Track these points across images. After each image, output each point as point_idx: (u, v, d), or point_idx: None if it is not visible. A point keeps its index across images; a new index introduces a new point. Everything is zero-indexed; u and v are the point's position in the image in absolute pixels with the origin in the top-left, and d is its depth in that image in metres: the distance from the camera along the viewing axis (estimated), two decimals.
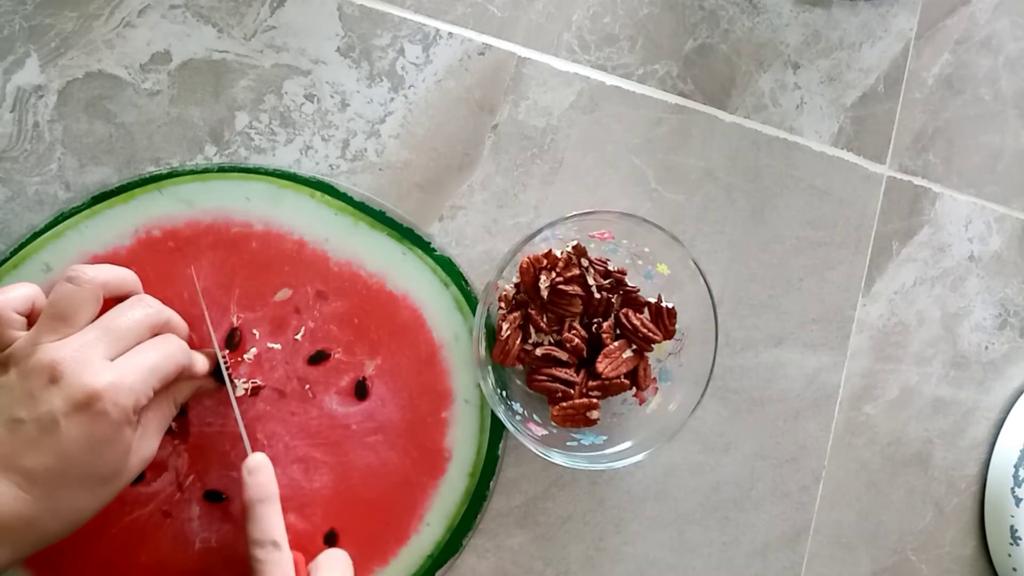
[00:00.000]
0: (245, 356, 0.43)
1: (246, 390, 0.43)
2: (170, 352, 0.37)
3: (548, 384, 0.44)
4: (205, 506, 0.42)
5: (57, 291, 0.36)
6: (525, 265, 0.44)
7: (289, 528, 0.43)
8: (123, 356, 0.36)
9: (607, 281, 0.45)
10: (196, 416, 0.42)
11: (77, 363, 0.34)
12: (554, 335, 0.45)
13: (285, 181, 0.44)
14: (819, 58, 0.53)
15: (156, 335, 0.38)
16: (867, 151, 0.54)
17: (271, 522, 0.39)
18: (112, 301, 0.38)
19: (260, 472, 0.40)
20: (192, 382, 0.41)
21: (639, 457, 0.43)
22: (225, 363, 0.42)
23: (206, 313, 0.42)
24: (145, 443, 0.37)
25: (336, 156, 0.45)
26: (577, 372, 0.45)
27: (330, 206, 0.45)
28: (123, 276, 0.39)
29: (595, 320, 0.45)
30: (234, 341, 0.43)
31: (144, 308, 0.38)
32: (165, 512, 0.42)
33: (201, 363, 0.41)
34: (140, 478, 0.42)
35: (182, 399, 0.40)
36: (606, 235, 0.45)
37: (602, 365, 0.44)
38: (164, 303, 0.42)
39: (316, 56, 0.45)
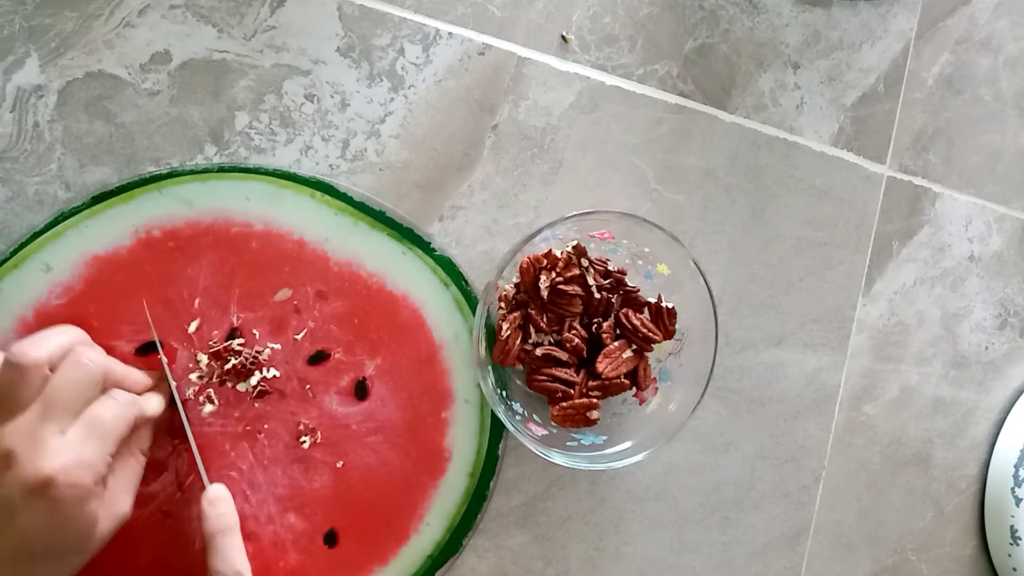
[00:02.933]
0: (260, 356, 0.43)
1: (253, 388, 0.43)
2: (119, 412, 0.36)
3: (548, 384, 0.44)
4: None
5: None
6: (525, 265, 0.44)
7: (289, 528, 0.43)
8: (74, 428, 0.35)
9: (607, 281, 0.45)
10: (196, 416, 0.42)
11: (30, 447, 0.33)
12: (554, 335, 0.45)
13: (285, 181, 0.44)
14: (819, 58, 0.53)
15: (103, 387, 0.37)
16: (867, 151, 0.54)
17: (233, 553, 0.39)
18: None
19: (220, 503, 0.40)
20: (150, 425, 0.40)
21: (639, 457, 0.43)
22: (178, 394, 0.42)
23: (158, 343, 0.42)
24: (116, 504, 0.37)
25: (336, 156, 0.45)
26: (577, 372, 0.45)
27: (330, 206, 0.45)
28: (67, 341, 0.37)
29: (595, 320, 0.45)
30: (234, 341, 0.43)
31: (83, 368, 0.36)
32: (165, 512, 0.42)
33: (154, 405, 0.40)
34: None
35: (146, 446, 0.40)
36: (606, 235, 0.45)
37: (602, 365, 0.44)
38: (164, 303, 0.42)
39: (316, 56, 0.45)
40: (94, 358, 0.37)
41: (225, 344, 0.43)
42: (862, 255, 0.54)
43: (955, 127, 0.56)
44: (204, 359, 0.42)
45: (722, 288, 0.51)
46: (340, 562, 0.44)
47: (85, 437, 0.34)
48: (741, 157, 0.51)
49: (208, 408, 0.42)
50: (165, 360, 0.42)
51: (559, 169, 0.48)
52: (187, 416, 0.42)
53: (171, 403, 0.42)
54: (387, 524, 0.44)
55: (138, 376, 0.40)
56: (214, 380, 0.42)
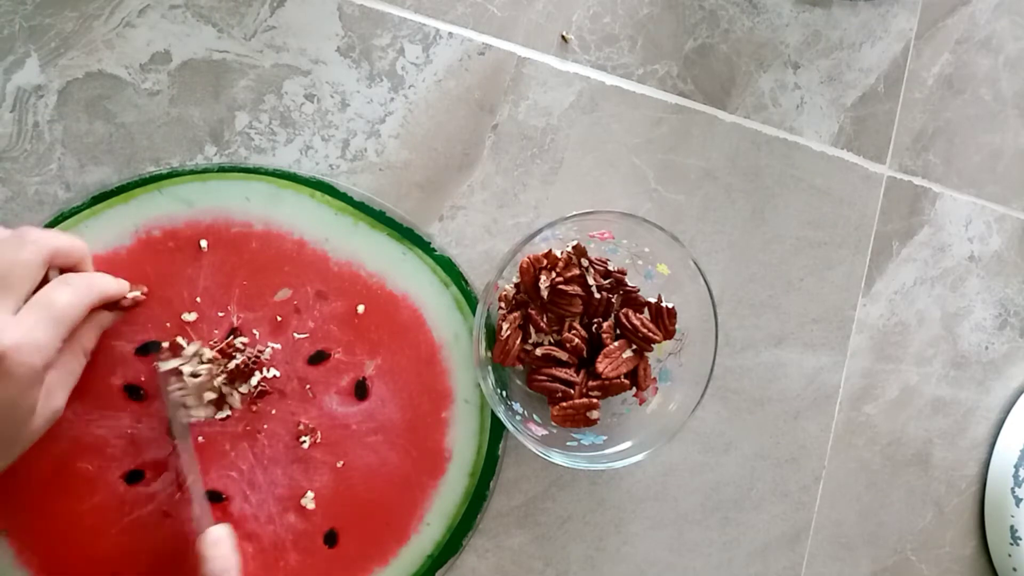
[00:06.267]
0: (262, 356, 0.43)
1: (253, 388, 0.43)
2: (73, 299, 0.34)
3: (548, 384, 0.44)
4: None
5: None
6: (525, 265, 0.44)
7: (289, 528, 0.43)
8: (26, 308, 0.33)
9: (607, 281, 0.45)
10: (203, 419, 0.42)
11: None
12: (554, 335, 0.45)
13: (285, 181, 0.44)
14: (819, 58, 0.53)
15: (58, 266, 0.36)
16: (867, 151, 0.54)
17: None
18: None
19: (221, 545, 0.39)
20: (98, 324, 0.38)
21: (639, 457, 0.43)
22: (187, 433, 0.41)
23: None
24: (53, 399, 0.35)
25: (336, 156, 0.45)
26: (577, 372, 0.45)
27: (330, 206, 0.45)
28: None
29: (595, 320, 0.45)
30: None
31: (27, 247, 0.34)
32: (165, 512, 0.42)
33: (107, 285, 0.38)
34: (140, 478, 0.42)
35: (90, 346, 0.38)
36: (606, 235, 0.45)
37: (602, 365, 0.44)
38: (164, 303, 0.42)
39: (316, 56, 0.45)
40: (38, 237, 0.35)
41: (227, 340, 0.43)
42: (862, 255, 0.54)
43: (955, 127, 0.56)
44: (209, 353, 0.42)
45: (722, 288, 0.51)
46: (340, 562, 0.44)
47: (37, 319, 0.33)
48: (741, 157, 0.51)
49: (223, 413, 0.43)
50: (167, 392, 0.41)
51: (559, 169, 0.48)
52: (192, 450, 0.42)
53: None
54: (387, 524, 0.44)
55: (80, 247, 0.38)
56: (218, 374, 0.42)
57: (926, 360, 0.55)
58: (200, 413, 0.42)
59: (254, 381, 0.43)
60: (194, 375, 0.41)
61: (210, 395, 0.42)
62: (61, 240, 0.37)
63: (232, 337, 0.43)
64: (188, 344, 0.42)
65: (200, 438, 0.42)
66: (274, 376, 0.43)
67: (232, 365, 0.42)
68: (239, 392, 0.43)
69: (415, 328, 0.45)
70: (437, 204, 0.47)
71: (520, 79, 0.48)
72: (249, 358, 0.43)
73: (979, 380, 0.56)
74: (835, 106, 0.53)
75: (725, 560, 0.50)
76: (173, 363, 0.41)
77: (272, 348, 0.43)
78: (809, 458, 0.52)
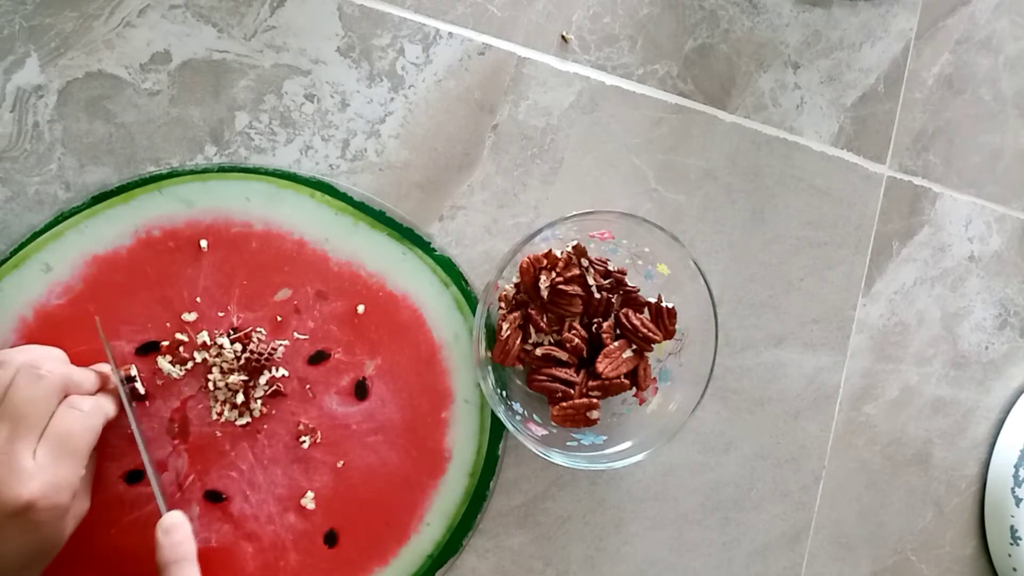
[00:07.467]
0: (275, 355, 0.43)
1: (265, 391, 0.43)
2: (87, 424, 0.36)
3: (548, 384, 0.44)
4: (205, 506, 0.42)
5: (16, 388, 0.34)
6: (525, 265, 0.44)
7: (289, 528, 0.43)
8: (44, 446, 0.34)
9: (607, 281, 0.45)
10: (196, 416, 0.42)
11: (6, 471, 0.33)
12: (554, 335, 0.45)
13: (285, 181, 0.44)
14: (819, 58, 0.53)
15: (65, 394, 0.37)
16: (867, 151, 0.54)
17: None
18: None
19: (176, 532, 0.39)
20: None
21: (639, 457, 0.43)
22: (131, 404, 0.41)
23: (109, 351, 0.41)
24: (79, 506, 0.37)
25: (336, 156, 0.45)
26: (577, 372, 0.45)
27: (330, 206, 0.45)
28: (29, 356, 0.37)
29: (595, 320, 0.45)
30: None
31: (42, 381, 0.35)
32: None
33: (110, 406, 0.39)
34: (140, 478, 0.42)
35: (95, 443, 0.39)
36: (606, 235, 0.45)
37: (602, 365, 0.44)
38: (164, 303, 0.42)
39: (316, 56, 0.45)
40: (52, 368, 0.36)
41: (246, 331, 0.42)
42: (862, 255, 0.54)
43: (955, 127, 0.56)
44: (226, 342, 0.42)
45: (722, 288, 0.51)
46: (340, 562, 0.44)
47: (58, 456, 0.34)
48: (741, 157, 0.51)
49: (243, 420, 0.43)
50: (114, 365, 0.41)
51: (559, 169, 0.48)
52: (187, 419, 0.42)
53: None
54: (387, 524, 0.44)
55: (92, 377, 0.39)
56: (233, 367, 0.42)
57: (926, 360, 0.55)
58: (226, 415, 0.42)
59: (263, 380, 0.43)
60: (223, 368, 0.42)
61: (239, 398, 0.42)
62: (74, 372, 0.38)
63: (250, 329, 0.43)
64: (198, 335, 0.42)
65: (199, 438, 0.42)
66: (283, 376, 0.43)
67: (243, 359, 0.42)
68: (256, 398, 0.43)
69: (415, 328, 0.45)
70: (437, 204, 0.47)
71: (520, 79, 0.48)
72: (263, 353, 0.42)
73: (979, 380, 0.56)
74: (835, 106, 0.53)
75: (725, 560, 0.50)
76: (201, 356, 0.42)
77: (283, 346, 0.43)
78: (809, 458, 0.52)
